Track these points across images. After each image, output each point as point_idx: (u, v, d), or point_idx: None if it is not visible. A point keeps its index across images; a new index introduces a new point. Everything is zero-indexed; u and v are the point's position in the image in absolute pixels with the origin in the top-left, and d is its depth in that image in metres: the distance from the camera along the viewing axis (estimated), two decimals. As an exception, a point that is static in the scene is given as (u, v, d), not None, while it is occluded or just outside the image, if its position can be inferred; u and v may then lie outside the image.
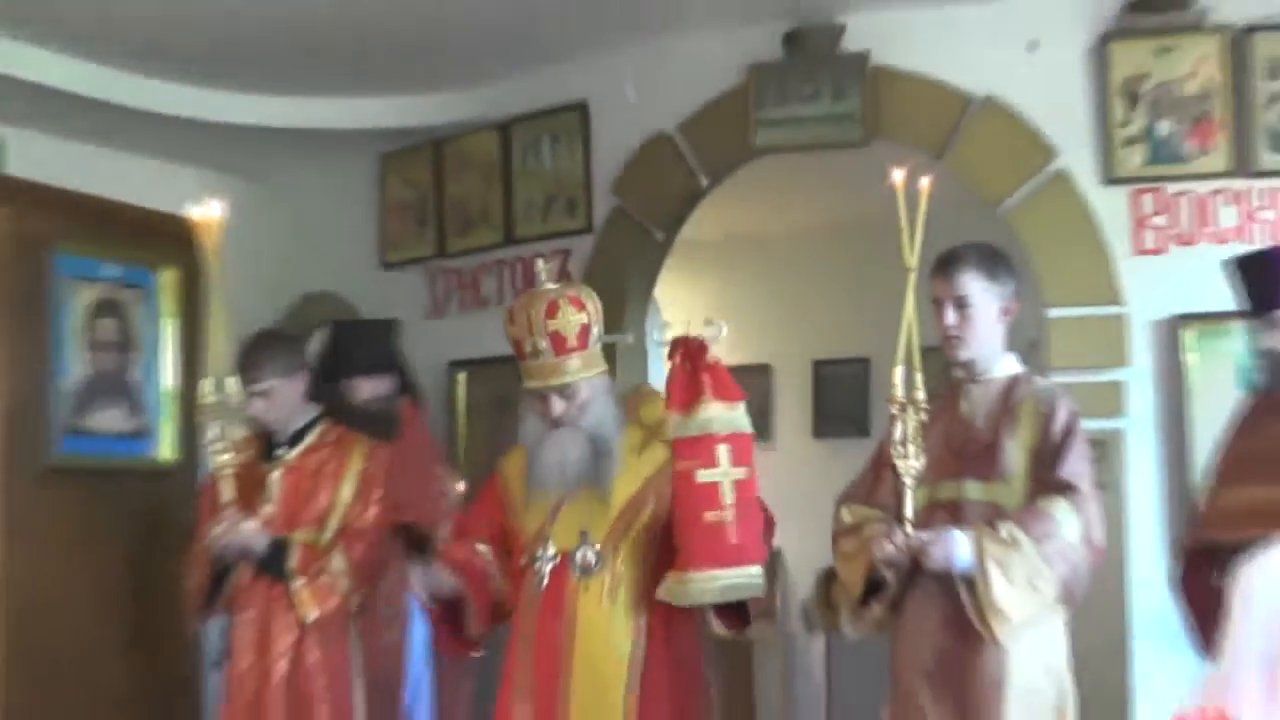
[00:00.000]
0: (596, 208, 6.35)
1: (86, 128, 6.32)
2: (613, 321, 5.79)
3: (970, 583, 3.54)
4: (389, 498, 5.01)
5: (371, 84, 6.56)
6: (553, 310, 3.84)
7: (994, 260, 3.80)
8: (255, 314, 6.82)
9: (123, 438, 5.31)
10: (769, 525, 3.95)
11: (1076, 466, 3.63)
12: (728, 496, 3.63)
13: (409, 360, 5.81)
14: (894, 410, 3.63)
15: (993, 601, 3.51)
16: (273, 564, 4.38)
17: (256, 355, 4.57)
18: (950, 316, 3.75)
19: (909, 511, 3.61)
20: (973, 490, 3.73)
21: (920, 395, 3.60)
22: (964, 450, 3.80)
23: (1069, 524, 3.55)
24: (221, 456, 4.21)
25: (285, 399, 4.57)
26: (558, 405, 3.87)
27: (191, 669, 5.56)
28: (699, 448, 3.66)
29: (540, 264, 4.12)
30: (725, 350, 8.09)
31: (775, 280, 8.69)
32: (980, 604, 3.53)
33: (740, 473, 3.66)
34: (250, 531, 4.30)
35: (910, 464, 3.61)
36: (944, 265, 3.80)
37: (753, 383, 8.35)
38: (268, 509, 4.47)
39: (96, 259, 5.15)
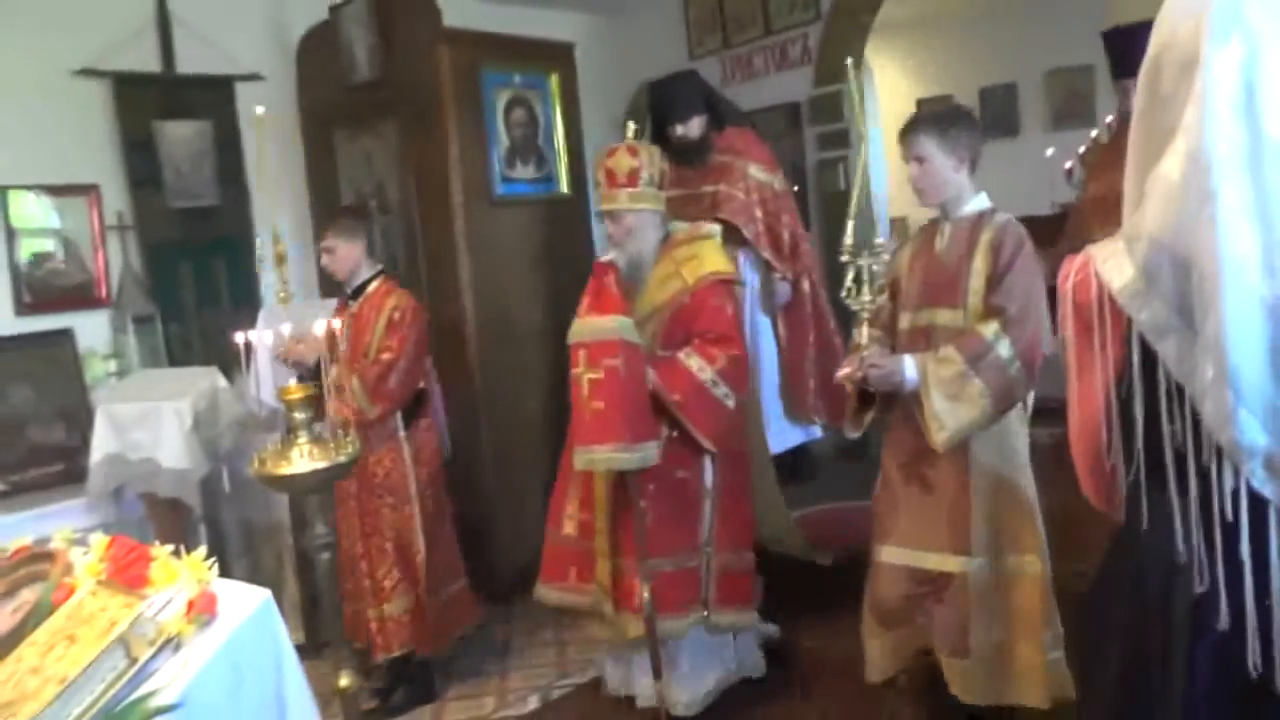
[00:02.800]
0: (823, 5, 6.54)
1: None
2: (836, 75, 6.32)
3: (919, 398, 3.32)
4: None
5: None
6: (611, 152, 3.92)
7: (946, 121, 3.45)
8: (615, 95, 7.76)
9: (536, 181, 5.80)
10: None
11: (1012, 292, 3.25)
12: (585, 390, 3.58)
13: (720, 97, 5.59)
14: (844, 259, 3.31)
15: (933, 413, 3.25)
16: (315, 377, 3.94)
17: (330, 217, 4.57)
18: (914, 171, 3.44)
19: (864, 340, 3.32)
20: (941, 316, 3.42)
21: (879, 241, 3.29)
22: (936, 282, 3.45)
23: (1000, 343, 3.21)
24: (279, 296, 4.04)
25: (345, 256, 4.39)
26: (609, 226, 3.92)
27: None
28: (572, 352, 3.63)
29: (631, 126, 4.15)
30: (910, 82, 8.35)
31: (937, 45, 8.63)
32: (924, 415, 3.29)
33: (596, 373, 3.57)
34: (301, 350, 4.14)
35: (863, 300, 3.26)
36: (905, 131, 3.47)
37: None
38: (343, 348, 4.31)
39: (509, 72, 5.69)
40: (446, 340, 5.38)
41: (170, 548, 2.45)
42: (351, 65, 5.77)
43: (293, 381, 3.02)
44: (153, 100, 5.73)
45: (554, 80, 5.96)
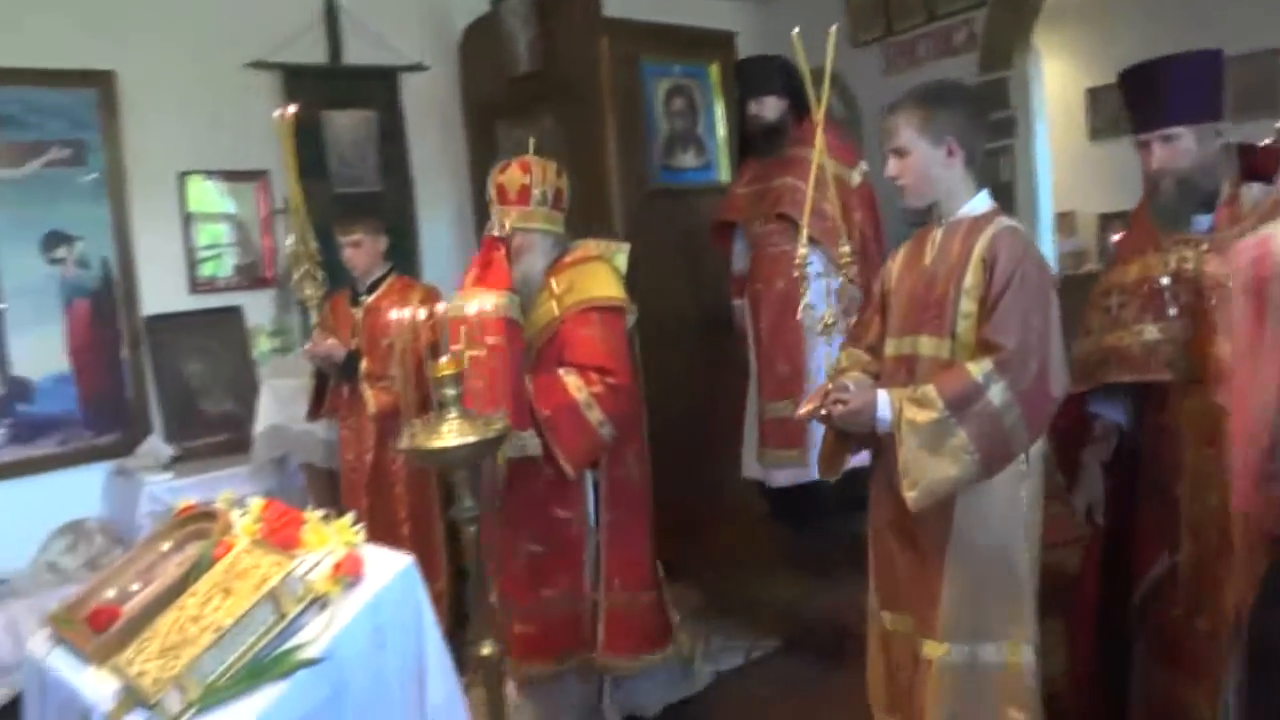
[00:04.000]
0: (991, -14, 6.32)
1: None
2: (1002, 61, 6.19)
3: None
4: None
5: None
6: (504, 168, 3.69)
7: (931, 102, 2.84)
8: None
9: (694, 170, 5.89)
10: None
11: (1008, 321, 2.64)
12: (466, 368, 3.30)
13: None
14: (795, 273, 2.81)
15: (904, 465, 2.67)
16: (349, 370, 4.36)
17: (353, 213, 4.69)
18: (891, 166, 2.88)
19: (829, 368, 2.87)
20: (925, 346, 2.84)
21: (844, 249, 2.78)
22: (922, 301, 2.86)
23: (993, 386, 2.61)
24: (306, 291, 3.99)
25: (370, 251, 4.57)
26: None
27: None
28: (451, 327, 3.39)
29: (531, 141, 3.89)
30: (1080, 70, 7.90)
31: (1110, 30, 7.85)
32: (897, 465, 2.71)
33: (477, 350, 3.32)
34: (331, 345, 4.26)
35: (824, 321, 2.73)
36: (885, 115, 2.93)
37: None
38: (355, 341, 4.43)
39: (669, 62, 5.79)
40: (599, 329, 5.47)
41: (321, 513, 2.59)
42: (513, 57, 5.89)
43: (444, 359, 3.14)
44: (320, 91, 5.98)
45: (714, 70, 6.00)
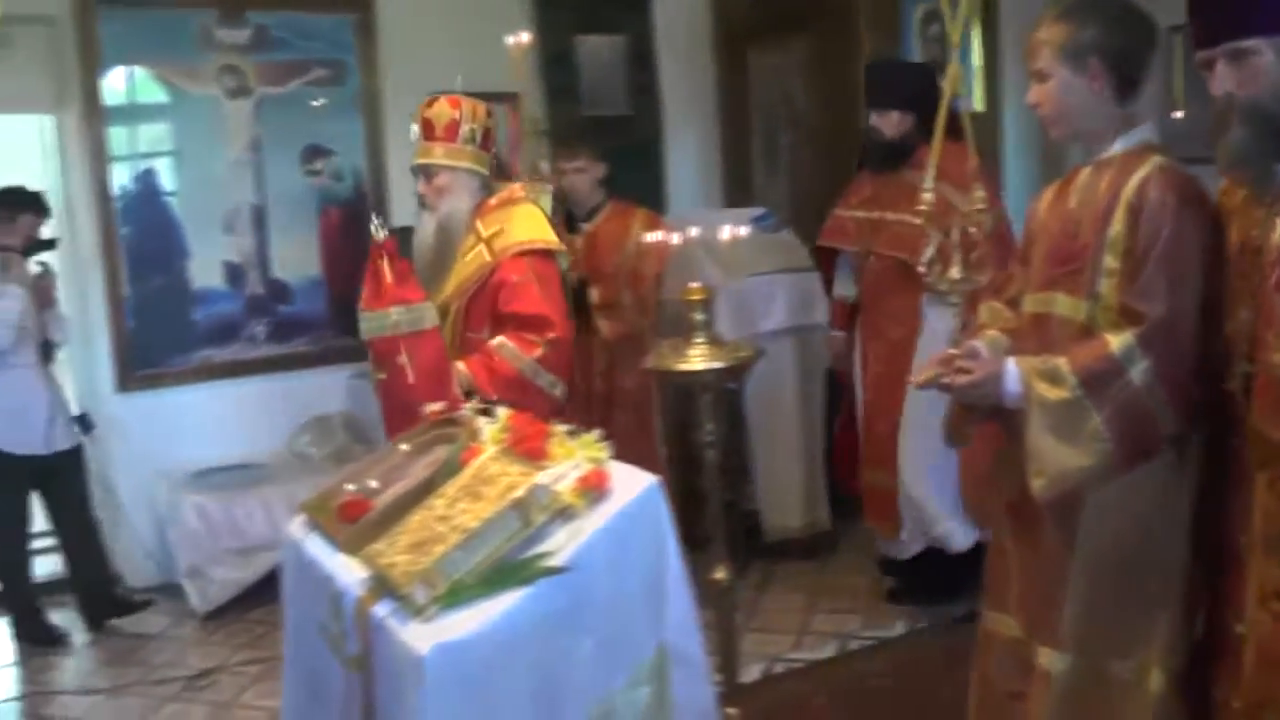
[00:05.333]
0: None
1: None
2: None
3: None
4: None
5: None
6: (431, 102, 3.61)
7: (1079, 17, 2.40)
8: (1031, 10, 7.33)
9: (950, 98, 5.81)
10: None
11: (1155, 285, 2.24)
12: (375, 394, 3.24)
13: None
14: (918, 220, 2.67)
15: (1032, 450, 2.35)
16: (580, 299, 4.32)
17: (576, 139, 4.77)
18: (1031, 91, 2.50)
19: (956, 332, 2.65)
20: (1061, 305, 2.46)
21: (978, 194, 2.58)
22: (1063, 253, 2.47)
23: (1135, 365, 2.23)
24: None
25: (595, 177, 4.66)
26: (420, 184, 3.63)
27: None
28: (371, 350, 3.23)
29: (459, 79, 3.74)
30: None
31: None
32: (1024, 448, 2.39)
33: (381, 374, 3.18)
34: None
35: (951, 279, 2.57)
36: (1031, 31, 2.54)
37: None
38: (573, 275, 4.23)
39: None
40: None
41: (567, 428, 2.60)
42: (768, -20, 5.86)
43: (694, 284, 3.12)
44: (572, 16, 6.09)
45: (963, -7, 5.82)
